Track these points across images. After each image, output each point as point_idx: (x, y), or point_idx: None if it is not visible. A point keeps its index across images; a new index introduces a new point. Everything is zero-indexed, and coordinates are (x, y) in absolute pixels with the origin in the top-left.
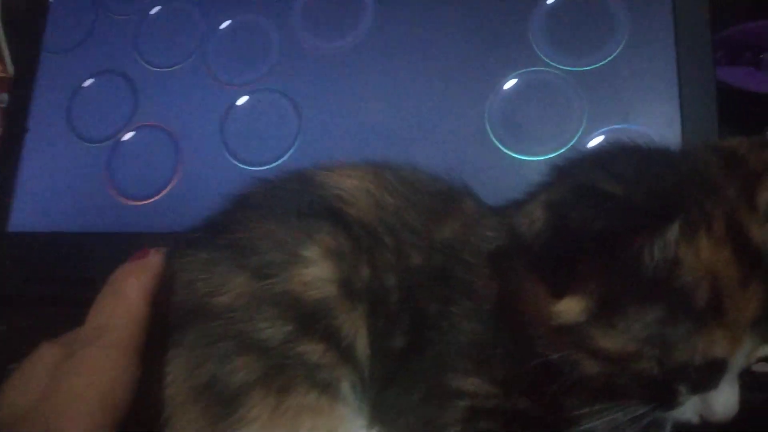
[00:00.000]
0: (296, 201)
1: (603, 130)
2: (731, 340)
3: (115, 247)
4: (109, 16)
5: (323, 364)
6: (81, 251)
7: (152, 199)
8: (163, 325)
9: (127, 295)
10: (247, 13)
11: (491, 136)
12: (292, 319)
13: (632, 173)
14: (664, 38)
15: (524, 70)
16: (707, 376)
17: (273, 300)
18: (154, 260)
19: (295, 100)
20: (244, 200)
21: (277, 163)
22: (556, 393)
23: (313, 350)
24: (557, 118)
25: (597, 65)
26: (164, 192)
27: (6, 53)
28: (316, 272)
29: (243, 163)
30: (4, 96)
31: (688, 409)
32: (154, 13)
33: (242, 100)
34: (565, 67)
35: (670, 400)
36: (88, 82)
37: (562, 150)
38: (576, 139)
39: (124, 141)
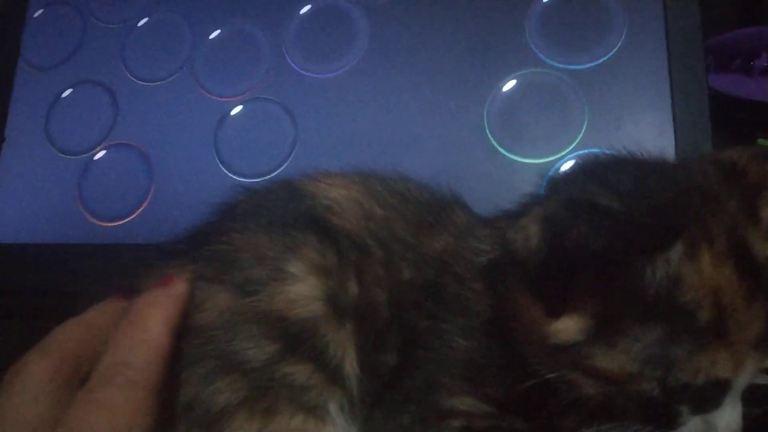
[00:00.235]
0: (282, 211)
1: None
2: (735, 359)
3: (89, 260)
4: (95, 25)
5: (310, 385)
6: (53, 263)
7: (124, 221)
8: None
9: (149, 328)
10: (236, 22)
11: (490, 138)
12: (277, 339)
13: (629, 186)
14: (656, 46)
15: (522, 71)
16: (710, 396)
17: (256, 318)
18: (179, 289)
19: (290, 110)
20: (229, 210)
21: (274, 174)
22: (552, 413)
23: (299, 371)
24: (557, 120)
25: (595, 63)
26: (136, 213)
27: None
28: (301, 289)
29: (238, 176)
30: None
31: (690, 430)
32: (142, 25)
33: (236, 110)
34: (563, 66)
35: (671, 421)
36: (67, 92)
37: (563, 153)
38: (576, 141)
39: (96, 160)
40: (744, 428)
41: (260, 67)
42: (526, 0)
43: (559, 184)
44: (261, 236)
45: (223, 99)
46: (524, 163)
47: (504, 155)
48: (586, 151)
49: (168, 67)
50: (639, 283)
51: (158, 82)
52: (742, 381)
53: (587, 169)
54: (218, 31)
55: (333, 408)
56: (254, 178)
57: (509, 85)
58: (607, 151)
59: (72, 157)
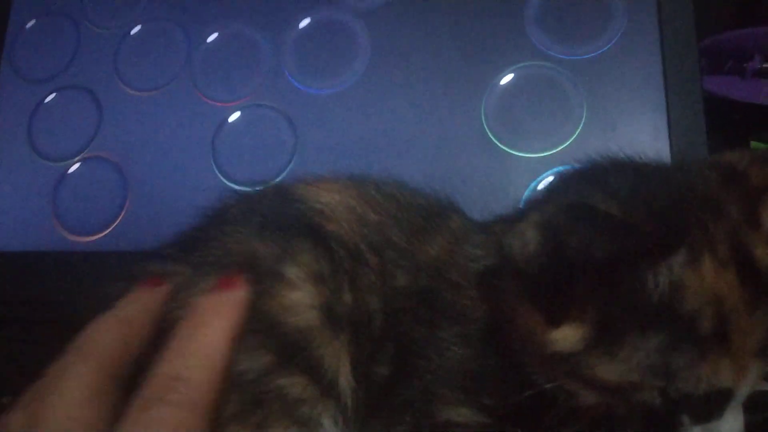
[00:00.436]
0: (275, 216)
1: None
2: (737, 368)
3: (71, 268)
4: (88, 34)
5: (304, 398)
6: (32, 272)
7: (99, 234)
8: None
9: (209, 341)
10: (233, 26)
11: (488, 132)
12: (272, 349)
13: (628, 191)
14: (650, 48)
15: (521, 64)
16: (711, 405)
17: (250, 325)
18: (241, 295)
19: (289, 116)
20: (218, 215)
21: (274, 182)
22: (550, 424)
23: (293, 384)
24: (555, 114)
25: (592, 55)
26: (111, 226)
27: None
28: (298, 297)
29: (237, 184)
30: None
31: None
32: (135, 33)
33: (234, 117)
34: (561, 56)
35: (672, 431)
36: (50, 97)
37: (561, 147)
38: (575, 136)
39: (71, 173)
40: None
41: (258, 75)
42: None
43: (556, 188)
44: (254, 241)
45: (219, 104)
46: (522, 157)
47: (502, 149)
48: (571, 162)
49: (163, 76)
50: (640, 290)
51: (151, 92)
52: (744, 390)
53: (585, 174)
54: (215, 36)
55: (327, 421)
56: (253, 186)
57: (507, 78)
58: (604, 155)
59: (52, 164)
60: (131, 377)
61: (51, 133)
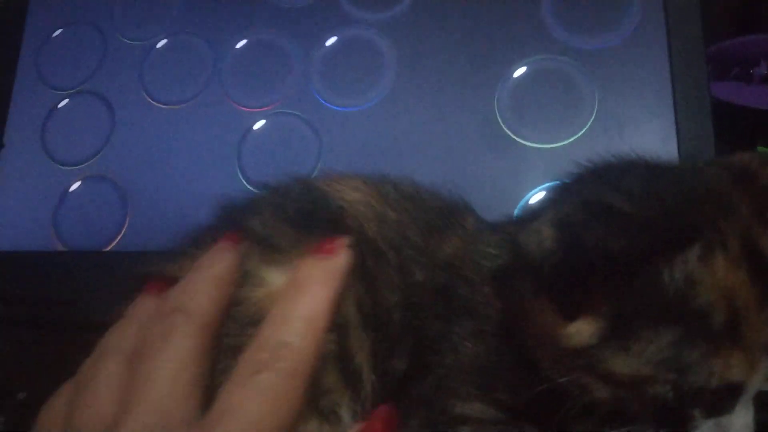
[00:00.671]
0: (301, 211)
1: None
2: (748, 363)
3: (91, 268)
4: (115, 45)
5: (330, 389)
6: (51, 271)
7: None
8: None
9: (313, 308)
10: (260, 38)
11: (501, 123)
12: None
13: (642, 189)
14: (658, 55)
15: (534, 57)
16: (723, 400)
17: None
18: (343, 261)
19: (312, 124)
20: (244, 209)
21: None
22: (564, 418)
23: (324, 374)
24: (568, 105)
25: (603, 47)
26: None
27: None
28: None
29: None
30: None
31: None
32: (161, 46)
33: (259, 124)
34: (576, 46)
35: (684, 425)
36: (63, 102)
37: (574, 137)
38: (588, 126)
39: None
40: None
41: (285, 85)
42: None
43: (568, 187)
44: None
45: (246, 109)
46: (535, 148)
47: (515, 140)
48: (581, 156)
49: (189, 90)
50: (655, 285)
51: (177, 105)
52: (755, 384)
53: (599, 173)
54: (241, 46)
55: (346, 415)
56: None
57: (520, 71)
58: (617, 155)
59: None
60: None
61: (65, 138)
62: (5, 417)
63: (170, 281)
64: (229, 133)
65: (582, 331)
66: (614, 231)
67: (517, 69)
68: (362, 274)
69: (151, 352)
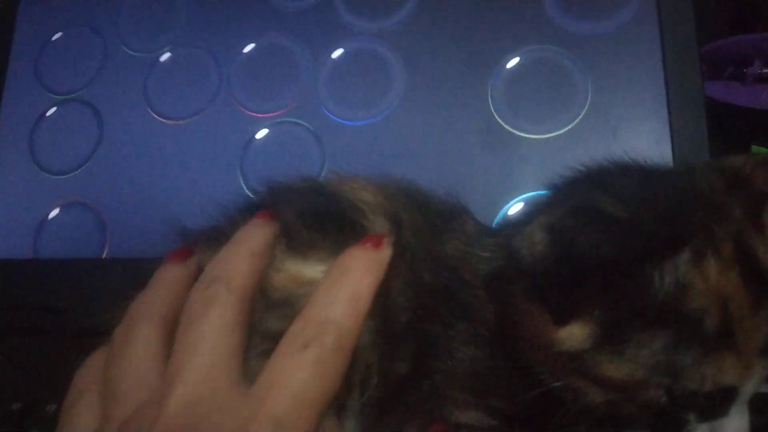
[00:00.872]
0: (314, 208)
1: None
2: (742, 366)
3: (85, 275)
4: (116, 52)
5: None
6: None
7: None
8: None
9: (358, 291)
10: (268, 44)
11: (494, 114)
12: None
13: (633, 194)
14: (651, 55)
15: (528, 47)
16: (717, 403)
17: None
18: (386, 255)
19: (316, 132)
20: (255, 205)
21: None
22: (558, 424)
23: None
24: (560, 95)
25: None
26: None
27: None
28: None
29: None
30: None
31: None
32: (165, 60)
33: (262, 133)
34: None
35: (678, 429)
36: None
37: (567, 128)
38: (581, 116)
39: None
40: None
41: (292, 90)
42: None
43: (561, 191)
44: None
45: (256, 114)
46: (528, 138)
47: (507, 130)
48: (572, 146)
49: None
50: (646, 289)
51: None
52: (749, 388)
53: (591, 177)
54: (248, 53)
55: (352, 411)
56: None
57: (513, 62)
58: (610, 159)
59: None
60: None
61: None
62: (0, 427)
63: (193, 249)
64: (231, 143)
65: (574, 335)
66: (605, 235)
67: (510, 60)
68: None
69: (193, 320)
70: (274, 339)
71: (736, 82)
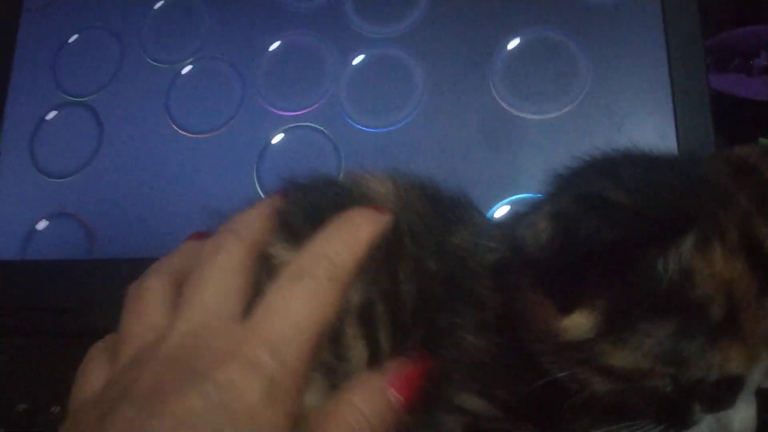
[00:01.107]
0: (330, 202)
1: None
2: (748, 355)
3: (79, 276)
4: (133, 57)
5: (360, 367)
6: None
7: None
8: None
9: (360, 236)
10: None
11: (495, 94)
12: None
13: (639, 183)
14: (655, 48)
15: (527, 28)
16: (723, 393)
17: None
18: (387, 220)
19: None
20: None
21: None
22: (562, 414)
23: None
24: (560, 75)
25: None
26: None
27: None
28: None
29: None
30: None
31: (703, 429)
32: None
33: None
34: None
35: (684, 419)
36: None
37: (568, 108)
38: (582, 96)
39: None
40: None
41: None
42: None
43: (567, 181)
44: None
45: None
46: (528, 119)
47: (508, 111)
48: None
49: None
50: (650, 276)
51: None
52: (755, 378)
53: (597, 165)
54: (268, 61)
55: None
56: None
57: (513, 43)
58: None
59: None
60: None
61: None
62: (6, 429)
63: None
64: (248, 153)
65: (579, 324)
66: (608, 222)
67: (510, 42)
68: (386, 261)
69: (202, 263)
70: None
71: (742, 74)
